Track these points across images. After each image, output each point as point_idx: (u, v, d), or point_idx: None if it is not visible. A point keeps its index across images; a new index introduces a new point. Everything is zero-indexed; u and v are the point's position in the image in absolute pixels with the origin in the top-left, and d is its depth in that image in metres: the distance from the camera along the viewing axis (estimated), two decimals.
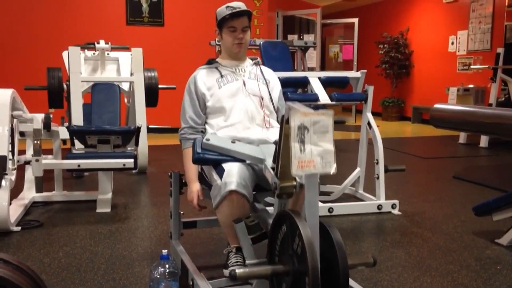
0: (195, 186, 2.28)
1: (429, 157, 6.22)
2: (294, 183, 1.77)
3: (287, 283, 1.67)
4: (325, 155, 1.60)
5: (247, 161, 2.10)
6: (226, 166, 2.06)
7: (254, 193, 2.17)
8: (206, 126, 2.36)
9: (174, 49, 8.28)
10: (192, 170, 2.31)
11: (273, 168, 1.82)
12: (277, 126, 2.34)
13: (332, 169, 1.60)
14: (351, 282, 2.05)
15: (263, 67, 2.52)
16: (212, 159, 2.11)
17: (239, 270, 1.67)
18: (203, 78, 2.38)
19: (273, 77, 2.53)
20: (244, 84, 2.37)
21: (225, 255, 2.18)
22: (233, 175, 2.01)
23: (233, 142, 2.12)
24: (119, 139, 3.62)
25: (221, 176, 2.04)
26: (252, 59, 2.50)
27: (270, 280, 1.80)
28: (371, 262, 1.77)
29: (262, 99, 2.37)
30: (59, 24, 7.92)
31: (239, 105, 2.32)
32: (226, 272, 2.08)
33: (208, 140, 2.07)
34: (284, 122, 1.67)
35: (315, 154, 1.58)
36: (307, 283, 1.53)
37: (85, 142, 3.62)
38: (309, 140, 1.58)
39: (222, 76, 2.37)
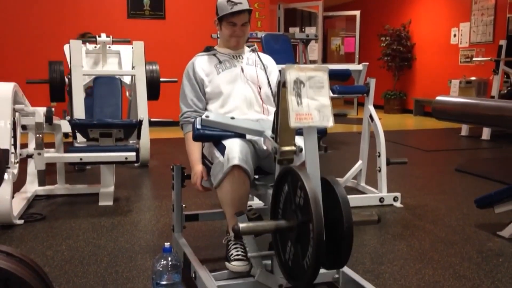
0: (198, 168, 2.29)
1: (431, 149, 6.21)
2: (294, 148, 1.77)
3: (292, 239, 1.66)
4: (322, 109, 1.61)
5: (247, 137, 2.10)
6: (227, 142, 2.07)
7: (256, 176, 2.17)
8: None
9: (176, 42, 8.26)
10: (195, 153, 2.32)
11: (272, 138, 1.83)
12: None
13: (330, 123, 1.62)
14: (353, 274, 2.06)
15: (260, 53, 2.53)
16: (213, 135, 2.12)
17: (242, 225, 1.65)
18: (202, 64, 2.39)
19: (271, 62, 2.54)
20: (242, 70, 2.38)
21: (225, 245, 2.18)
22: (235, 151, 2.02)
23: (232, 118, 2.12)
24: (121, 133, 3.62)
25: (222, 153, 2.05)
26: (249, 46, 2.51)
27: (274, 238, 1.79)
28: (375, 220, 1.76)
29: (260, 88, 2.38)
30: (60, 18, 7.90)
31: (237, 91, 2.33)
32: (228, 265, 2.08)
33: (207, 116, 2.07)
34: (281, 86, 1.67)
35: (312, 108, 1.60)
36: (311, 230, 1.51)
37: (87, 135, 3.62)
38: (305, 94, 1.60)
39: (220, 62, 2.39)
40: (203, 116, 2.07)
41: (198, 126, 2.09)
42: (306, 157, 1.65)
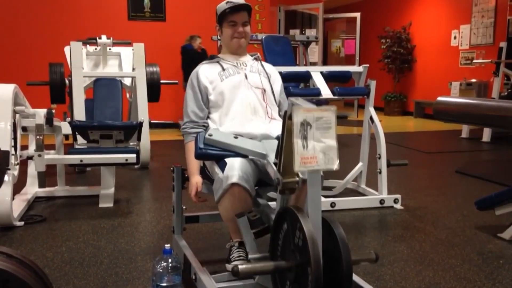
0: (194, 179, 2.30)
1: (432, 151, 6.21)
2: (297, 179, 1.76)
3: (290, 279, 1.66)
4: (327, 151, 1.59)
5: (250, 157, 2.10)
6: (228, 160, 2.07)
7: (256, 188, 2.17)
8: (209, 121, 2.36)
9: (176, 44, 8.26)
10: (193, 164, 2.33)
11: (275, 164, 1.82)
12: (279, 119, 2.34)
13: (335, 166, 1.59)
14: (354, 276, 2.05)
15: (263, 63, 2.54)
16: (215, 155, 2.11)
17: (241, 266, 1.66)
18: (205, 72, 2.39)
19: (274, 72, 2.55)
20: (246, 77, 2.37)
21: (227, 250, 2.19)
22: (235, 168, 2.01)
23: (235, 137, 2.12)
24: (121, 134, 3.63)
25: (223, 170, 2.05)
26: (252, 55, 2.52)
27: (272, 277, 1.80)
28: (373, 258, 1.77)
29: (265, 91, 2.38)
30: (61, 20, 7.92)
31: (241, 97, 2.33)
32: (228, 266, 2.08)
33: (210, 135, 2.07)
34: (286, 118, 1.66)
35: (317, 150, 1.57)
36: (309, 273, 1.51)
37: (87, 137, 3.62)
38: (311, 136, 1.57)
39: (224, 69, 2.39)
40: (206, 135, 2.07)
41: (201, 145, 2.09)
42: (308, 199, 1.64)
